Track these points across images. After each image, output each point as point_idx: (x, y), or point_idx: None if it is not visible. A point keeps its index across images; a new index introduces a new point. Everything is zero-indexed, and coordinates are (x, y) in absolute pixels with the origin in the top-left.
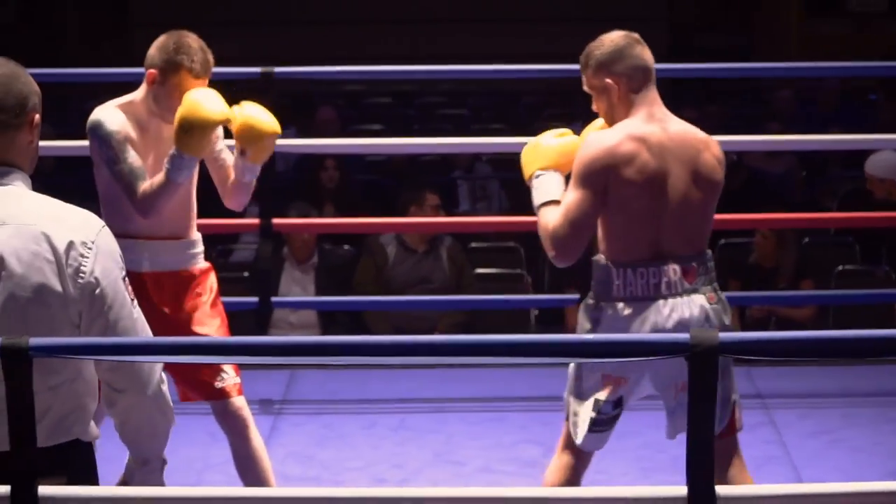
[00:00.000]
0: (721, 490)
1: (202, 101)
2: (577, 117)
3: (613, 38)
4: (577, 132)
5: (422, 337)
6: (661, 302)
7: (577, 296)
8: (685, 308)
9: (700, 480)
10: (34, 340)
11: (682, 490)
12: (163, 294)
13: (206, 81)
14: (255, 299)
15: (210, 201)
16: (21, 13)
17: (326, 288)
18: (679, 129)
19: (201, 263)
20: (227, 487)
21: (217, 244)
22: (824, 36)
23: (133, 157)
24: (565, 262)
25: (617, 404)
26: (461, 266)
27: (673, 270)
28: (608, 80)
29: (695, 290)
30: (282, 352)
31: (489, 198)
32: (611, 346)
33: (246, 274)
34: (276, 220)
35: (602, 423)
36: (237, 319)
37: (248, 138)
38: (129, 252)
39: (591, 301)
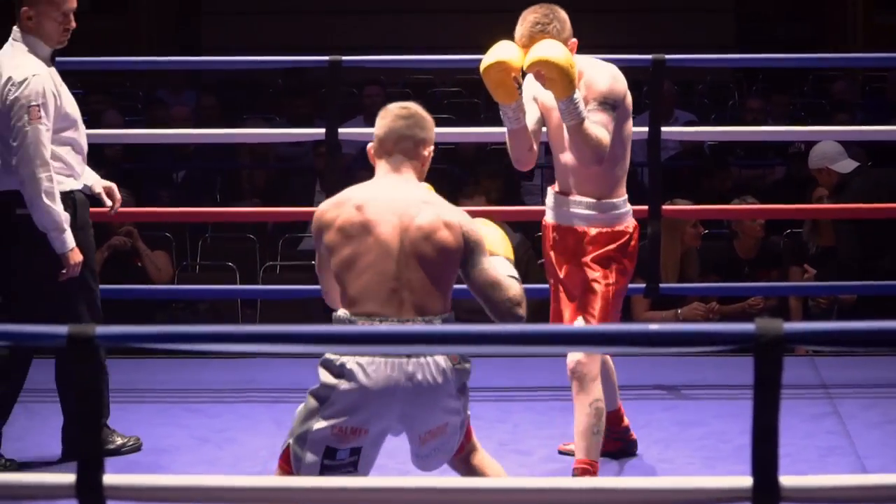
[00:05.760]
0: (786, 481)
1: (488, 52)
2: (641, 108)
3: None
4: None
5: (485, 326)
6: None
7: (642, 285)
8: (420, 368)
9: (765, 471)
10: (101, 329)
11: (747, 481)
12: (557, 243)
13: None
14: None
15: (278, 192)
16: (94, 1)
17: None
18: (401, 192)
19: (611, 226)
20: (293, 478)
21: (286, 232)
22: (891, 27)
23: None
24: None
25: (354, 452)
26: (527, 261)
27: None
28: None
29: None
30: (348, 341)
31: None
32: (675, 337)
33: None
34: None
35: (337, 469)
36: (306, 306)
37: (536, 73)
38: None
39: None
